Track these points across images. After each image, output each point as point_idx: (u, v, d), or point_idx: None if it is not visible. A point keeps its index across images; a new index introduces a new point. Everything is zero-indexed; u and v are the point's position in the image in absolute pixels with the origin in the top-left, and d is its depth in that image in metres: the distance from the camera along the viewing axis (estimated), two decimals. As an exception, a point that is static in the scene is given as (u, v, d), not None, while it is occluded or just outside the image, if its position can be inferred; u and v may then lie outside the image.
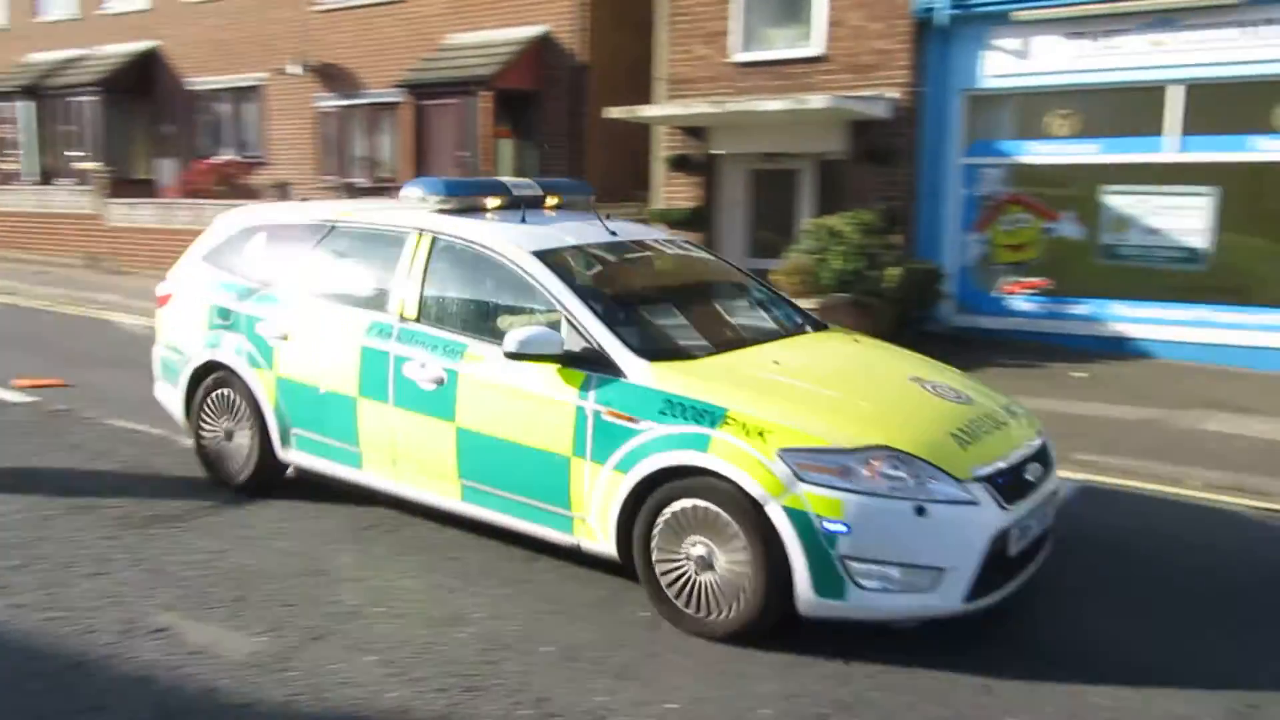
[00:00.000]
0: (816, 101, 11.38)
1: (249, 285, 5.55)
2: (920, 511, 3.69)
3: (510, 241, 4.76)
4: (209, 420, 5.69)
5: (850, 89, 11.89)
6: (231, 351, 5.49)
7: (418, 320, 4.84)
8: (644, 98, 13.61)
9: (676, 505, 4.02)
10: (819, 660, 3.87)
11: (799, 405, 4.04)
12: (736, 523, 3.87)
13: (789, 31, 12.61)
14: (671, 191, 13.51)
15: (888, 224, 11.17)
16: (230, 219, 5.99)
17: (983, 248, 11.74)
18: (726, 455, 3.87)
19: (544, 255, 4.68)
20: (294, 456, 5.39)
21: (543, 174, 15.63)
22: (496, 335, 4.54)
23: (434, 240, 4.95)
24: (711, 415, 3.96)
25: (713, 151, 13.24)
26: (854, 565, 3.71)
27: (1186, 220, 10.64)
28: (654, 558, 4.11)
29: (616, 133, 14.31)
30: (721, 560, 3.94)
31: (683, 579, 4.05)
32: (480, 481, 4.62)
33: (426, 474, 4.80)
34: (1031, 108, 11.42)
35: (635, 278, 5.29)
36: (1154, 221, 10.82)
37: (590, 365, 4.28)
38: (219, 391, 5.61)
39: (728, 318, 5.26)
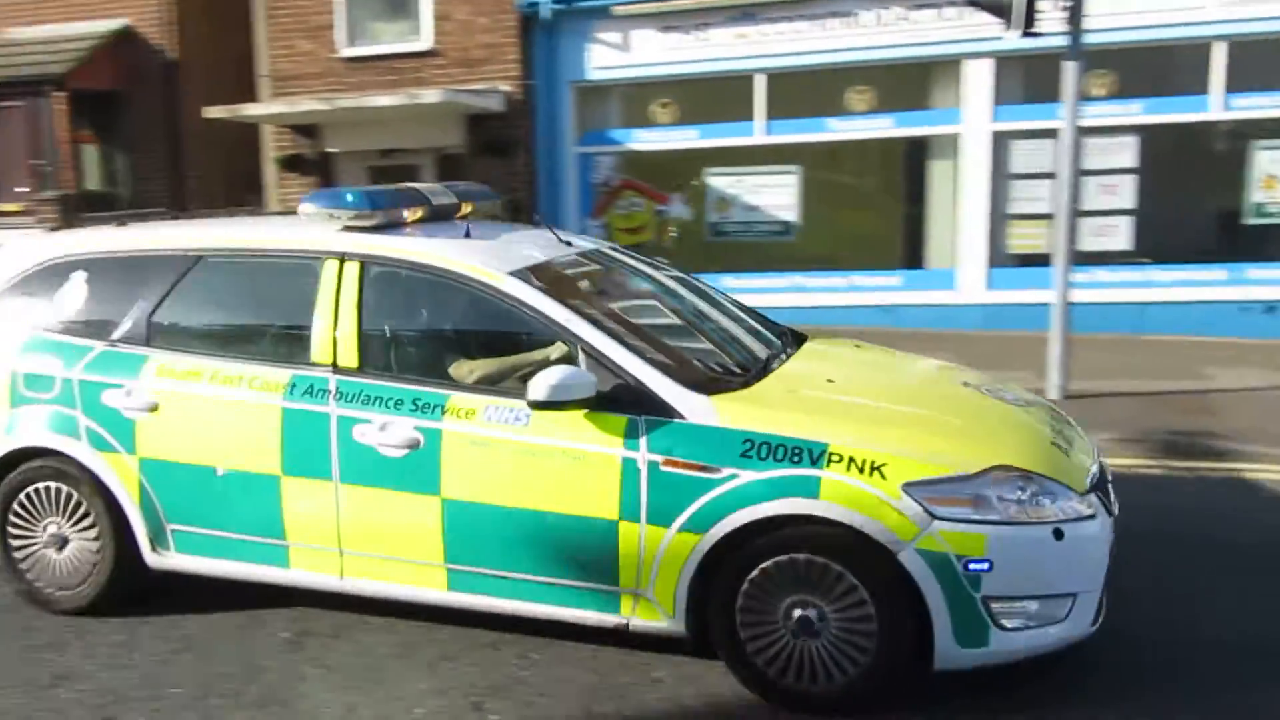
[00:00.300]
0: (429, 96, 11.30)
1: (79, 343, 4.26)
2: (1059, 535, 3.30)
3: (479, 262, 3.88)
4: (22, 527, 4.31)
5: (462, 83, 11.91)
6: (60, 433, 4.19)
7: (360, 370, 3.88)
8: (251, 96, 12.82)
9: (768, 563, 3.40)
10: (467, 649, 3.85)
11: (900, 430, 3.49)
12: (855, 575, 3.31)
13: (396, 26, 12.41)
14: (286, 193, 12.86)
15: (512, 214, 11.34)
16: (19, 253, 4.58)
17: (602, 232, 12.26)
18: (842, 499, 3.29)
19: (524, 276, 3.86)
20: (175, 561, 4.18)
21: (138, 181, 14.33)
22: (487, 381, 3.85)
23: (363, 266, 3.98)
24: (812, 452, 3.36)
25: (327, 150, 12.77)
26: (995, 606, 3.27)
27: (777, 197, 11.74)
28: (740, 631, 3.46)
29: (225, 134, 13.38)
30: (833, 621, 3.37)
31: (779, 649, 3.44)
32: (479, 564, 3.75)
33: (396, 564, 3.87)
34: (636, 97, 12.06)
35: (622, 295, 4.45)
36: (751, 200, 11.84)
37: (629, 407, 3.54)
38: (39, 487, 4.26)
39: (730, 332, 4.52)
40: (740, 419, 3.46)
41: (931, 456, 3.35)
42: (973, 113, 10.88)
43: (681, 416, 3.49)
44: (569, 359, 3.70)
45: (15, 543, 4.31)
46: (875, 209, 11.98)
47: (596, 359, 3.60)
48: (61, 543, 4.25)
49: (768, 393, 3.71)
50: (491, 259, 3.93)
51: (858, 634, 3.34)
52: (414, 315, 4.18)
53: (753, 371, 3.92)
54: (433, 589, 3.83)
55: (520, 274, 3.85)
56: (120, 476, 4.12)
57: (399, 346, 4.05)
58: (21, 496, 4.28)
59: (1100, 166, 10.44)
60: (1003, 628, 3.28)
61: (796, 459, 3.35)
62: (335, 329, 3.93)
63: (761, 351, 4.26)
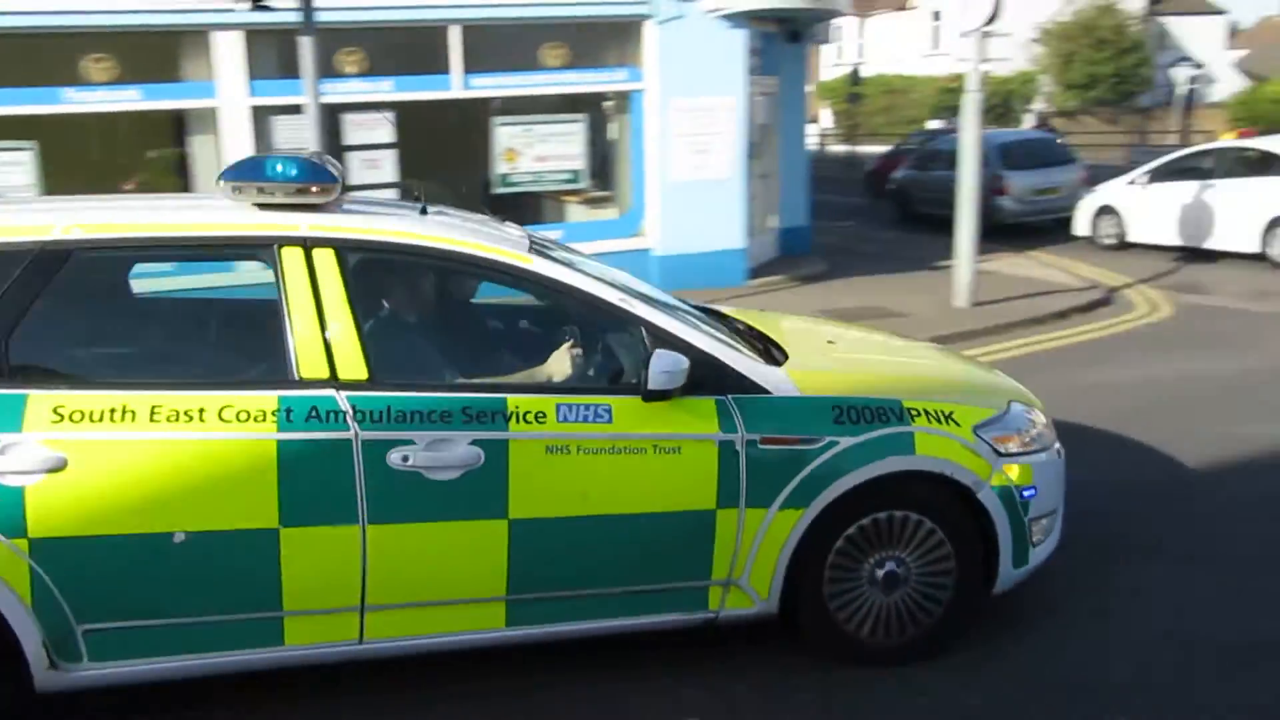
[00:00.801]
0: None
1: None
2: (1060, 454, 3.90)
3: (495, 242, 3.44)
4: None
5: None
6: None
7: (372, 382, 3.16)
8: None
9: (851, 529, 3.51)
10: None
11: (934, 380, 3.96)
12: (937, 523, 3.57)
13: None
14: None
15: None
16: None
17: None
18: (935, 450, 3.51)
19: (545, 255, 3.45)
20: (91, 673, 3.06)
21: None
22: (547, 377, 3.47)
23: (338, 253, 3.24)
24: (895, 410, 3.50)
25: None
26: (1033, 527, 3.72)
27: (11, 176, 10.18)
28: (828, 600, 3.56)
29: None
30: (914, 571, 3.60)
31: (866, 609, 3.60)
32: (548, 589, 3.36)
33: (440, 610, 3.29)
34: None
35: (607, 276, 3.76)
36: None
37: (712, 389, 3.35)
38: None
39: (670, 304, 3.90)
40: (818, 387, 3.50)
41: (976, 399, 3.75)
42: (228, 86, 10.48)
43: (767, 392, 3.41)
44: (596, 346, 3.47)
45: None
46: (140, 186, 11.01)
47: (665, 341, 3.33)
48: None
49: (813, 360, 3.83)
50: (504, 238, 3.50)
51: (938, 576, 3.62)
52: (418, 310, 3.61)
53: (768, 342, 3.91)
54: (486, 630, 3.36)
55: (539, 253, 3.45)
56: (11, 566, 2.92)
57: (414, 349, 3.47)
58: None
59: (363, 142, 10.82)
60: (1034, 545, 3.74)
61: (884, 419, 3.46)
62: (324, 333, 3.17)
63: (742, 323, 4.22)
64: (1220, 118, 31.38)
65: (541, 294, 3.61)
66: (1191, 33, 47.45)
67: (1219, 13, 50.77)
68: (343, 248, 3.28)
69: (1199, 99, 43.49)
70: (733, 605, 3.54)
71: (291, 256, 3.24)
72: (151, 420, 3.03)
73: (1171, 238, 13.31)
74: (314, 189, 3.28)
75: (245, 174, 3.31)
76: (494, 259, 3.39)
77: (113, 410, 3.01)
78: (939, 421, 3.55)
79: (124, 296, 3.61)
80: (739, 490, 3.37)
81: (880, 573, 3.58)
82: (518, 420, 3.21)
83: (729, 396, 3.39)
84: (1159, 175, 13.77)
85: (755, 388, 3.44)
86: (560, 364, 3.54)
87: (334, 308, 3.22)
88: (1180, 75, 33.75)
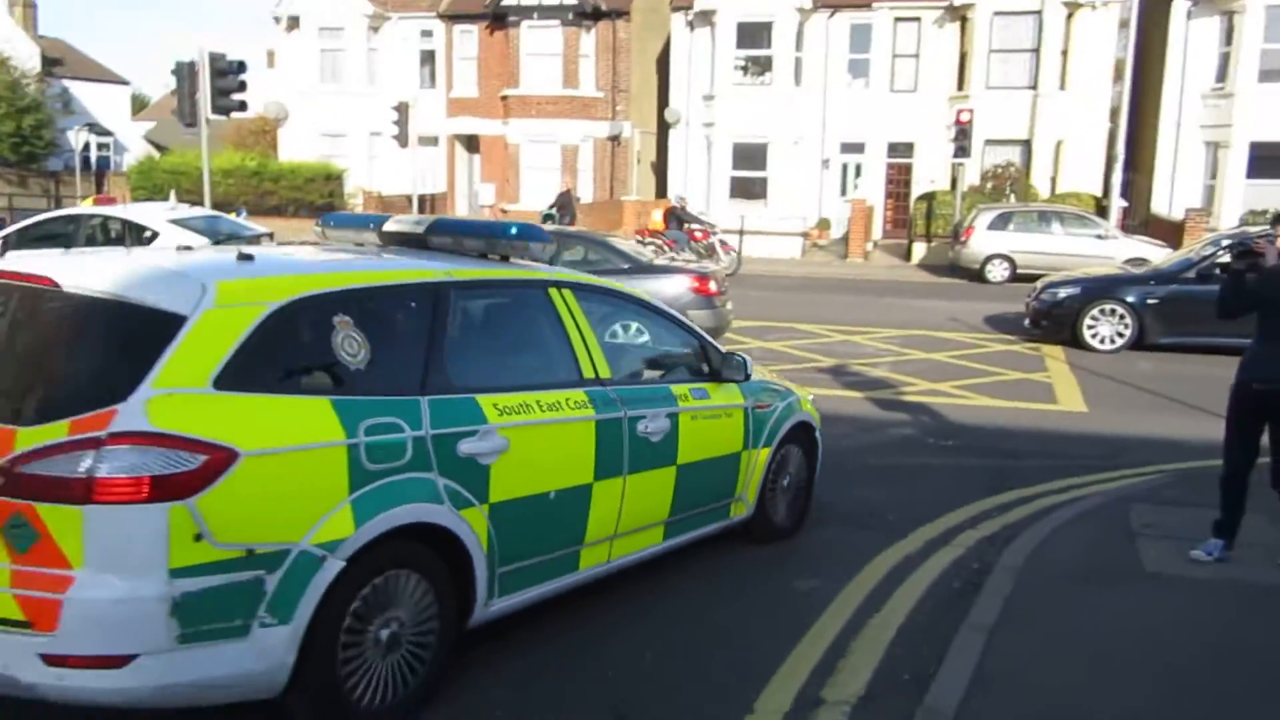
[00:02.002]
0: None
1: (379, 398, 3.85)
2: None
3: (626, 284, 5.66)
4: (356, 642, 3.68)
5: None
6: (426, 503, 3.84)
7: (612, 379, 4.89)
8: None
9: (782, 450, 6.15)
10: None
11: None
12: (804, 445, 6.54)
13: None
14: None
15: None
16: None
17: None
18: (806, 408, 6.54)
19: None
20: (500, 606, 4.32)
21: None
22: (678, 372, 5.54)
23: (577, 292, 4.93)
24: (787, 390, 6.45)
25: None
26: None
27: None
28: (771, 494, 6.16)
29: None
30: (795, 465, 6.42)
31: (778, 493, 6.25)
32: (686, 510, 5.33)
33: (641, 533, 5.06)
34: None
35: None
36: None
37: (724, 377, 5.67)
38: (380, 581, 3.71)
39: None
40: (760, 376, 6.22)
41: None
42: None
43: (748, 379, 5.75)
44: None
45: (351, 664, 3.67)
46: None
47: (717, 349, 5.72)
48: (388, 643, 3.79)
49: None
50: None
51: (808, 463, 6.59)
52: (602, 328, 5.18)
53: None
54: (655, 545, 5.22)
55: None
56: (477, 531, 4.07)
57: (619, 354, 5.26)
58: (357, 603, 3.67)
59: None
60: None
61: (786, 394, 6.28)
62: (586, 348, 4.78)
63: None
64: (126, 184, 32.55)
65: (660, 320, 5.64)
66: (97, 99, 48.42)
67: (122, 82, 52.77)
68: (574, 288, 4.94)
69: (111, 166, 44.70)
70: (737, 513, 5.87)
71: (557, 295, 4.81)
72: (540, 411, 4.40)
73: None
74: (534, 245, 4.85)
75: (530, 231, 4.81)
76: (628, 295, 5.48)
77: (522, 405, 4.32)
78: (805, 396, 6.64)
79: (481, 323, 4.65)
80: (749, 438, 5.74)
81: (785, 479, 6.29)
82: (680, 400, 5.20)
83: (738, 383, 5.72)
84: (23, 240, 12.93)
85: (742, 377, 5.69)
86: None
87: (584, 330, 4.84)
88: (80, 139, 34.17)
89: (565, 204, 27.58)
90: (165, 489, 3.18)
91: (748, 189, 30.62)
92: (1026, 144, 29.00)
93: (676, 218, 23.83)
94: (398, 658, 3.84)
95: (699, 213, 25.74)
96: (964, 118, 24.61)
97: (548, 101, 31.96)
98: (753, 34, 30.13)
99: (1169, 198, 28.66)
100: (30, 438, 3.25)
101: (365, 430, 3.68)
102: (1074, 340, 13.83)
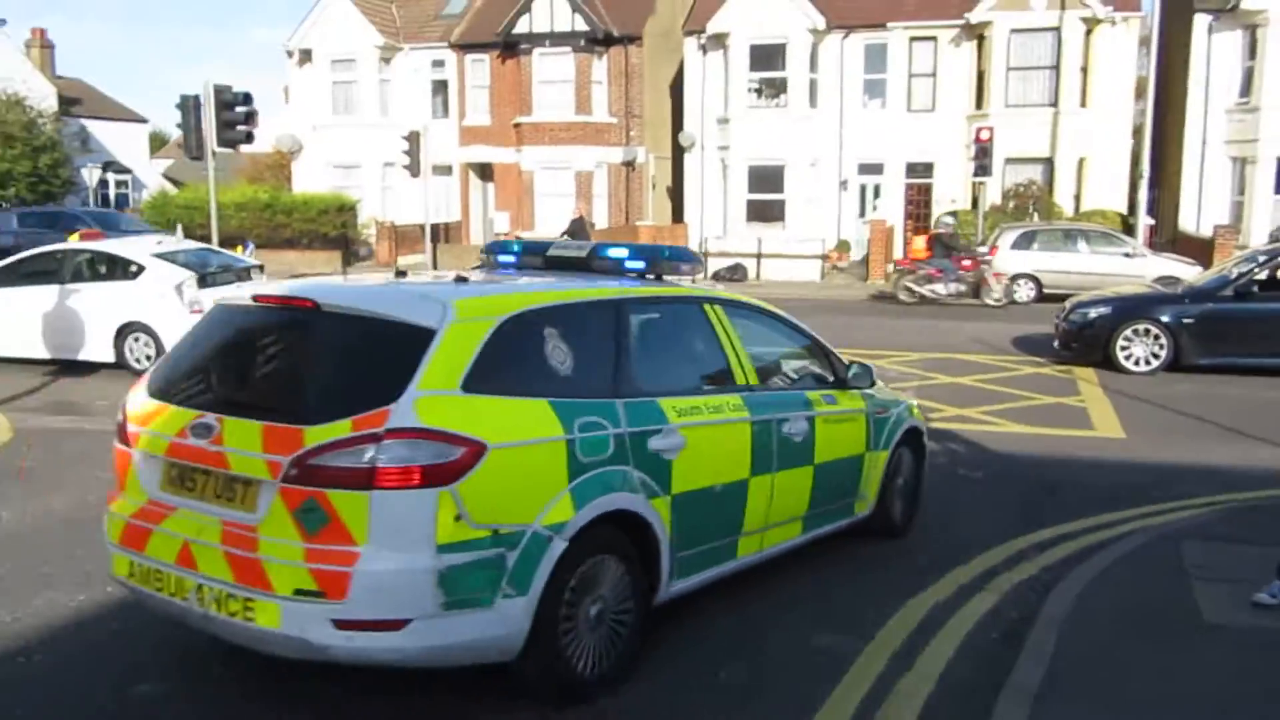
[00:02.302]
0: None
1: (642, 397, 4.67)
2: None
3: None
4: (572, 615, 4.22)
5: None
6: (625, 492, 4.37)
7: (762, 385, 5.49)
8: None
9: (897, 453, 6.69)
10: None
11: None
12: (915, 448, 7.09)
13: None
14: None
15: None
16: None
17: None
18: (916, 414, 7.04)
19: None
20: (679, 587, 4.87)
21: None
22: (807, 379, 6.08)
23: (725, 307, 5.49)
24: (900, 401, 6.92)
25: None
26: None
27: None
28: (893, 494, 6.73)
29: None
30: (906, 469, 7.02)
31: (898, 489, 6.86)
32: (820, 506, 5.87)
33: (783, 527, 5.60)
34: None
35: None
36: None
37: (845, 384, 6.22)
38: (592, 560, 4.26)
39: None
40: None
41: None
42: None
43: (873, 385, 6.36)
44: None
45: (567, 636, 4.20)
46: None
47: (830, 358, 6.28)
48: (595, 617, 4.31)
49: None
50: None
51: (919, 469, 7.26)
52: (748, 341, 5.52)
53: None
54: (796, 538, 5.76)
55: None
56: (662, 519, 4.56)
57: (759, 363, 5.58)
58: (574, 579, 4.19)
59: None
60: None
61: (898, 403, 6.78)
62: (737, 357, 5.34)
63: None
64: (140, 219, 32.45)
65: (791, 332, 6.18)
66: (116, 137, 48.68)
67: (140, 120, 53.09)
68: (722, 303, 5.52)
69: (130, 203, 44.84)
70: (860, 510, 6.38)
71: (710, 310, 5.38)
72: (708, 413, 4.93)
73: (37, 349, 12.68)
74: (685, 267, 5.63)
75: (685, 255, 5.66)
76: (763, 310, 6.02)
77: (693, 407, 4.85)
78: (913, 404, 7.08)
79: (652, 334, 5.06)
80: (870, 440, 6.27)
81: (899, 480, 6.77)
82: (815, 405, 5.80)
83: (863, 389, 6.27)
84: (10, 275, 12.81)
85: (866, 386, 6.29)
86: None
87: (736, 341, 5.41)
88: (94, 177, 34.19)
89: (578, 230, 27.15)
90: (434, 477, 3.72)
91: (765, 212, 30.19)
92: (1048, 162, 28.46)
93: (943, 244, 22.05)
94: (603, 633, 4.35)
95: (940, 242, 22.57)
96: (984, 136, 24.13)
97: (560, 128, 31.71)
98: (766, 56, 29.81)
99: (1196, 215, 28.04)
100: (318, 435, 3.75)
101: (579, 427, 4.22)
102: (1106, 362, 13.27)
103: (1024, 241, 22.24)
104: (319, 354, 4.29)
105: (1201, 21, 27.50)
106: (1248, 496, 7.77)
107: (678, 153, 32.70)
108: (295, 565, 3.71)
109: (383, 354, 4.04)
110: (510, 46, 32.03)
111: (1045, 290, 21.83)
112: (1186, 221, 28.17)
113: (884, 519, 6.65)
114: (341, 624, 3.68)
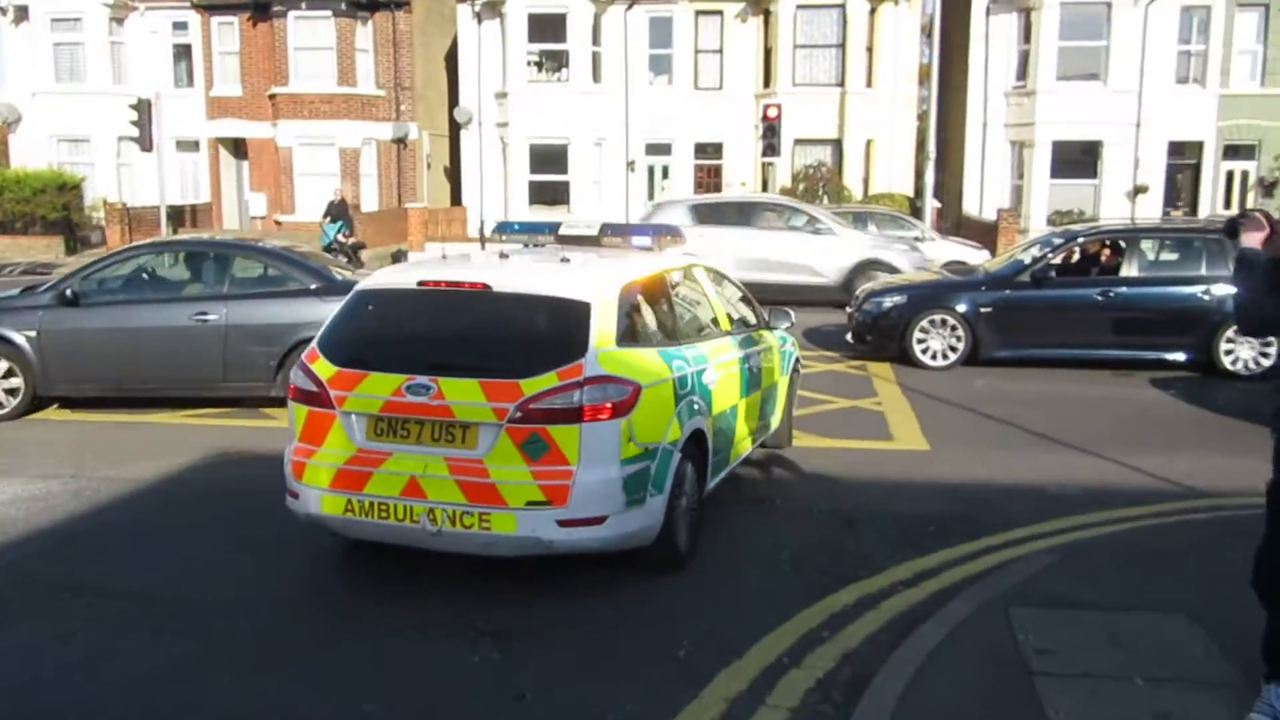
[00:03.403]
0: None
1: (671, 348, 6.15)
2: None
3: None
4: (674, 507, 5.67)
5: None
6: (699, 416, 5.98)
7: (731, 330, 7.21)
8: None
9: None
10: None
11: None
12: None
13: None
14: None
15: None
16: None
17: None
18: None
19: None
20: (710, 486, 6.42)
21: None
22: (745, 322, 7.66)
23: (707, 271, 7.57)
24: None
25: None
26: None
27: None
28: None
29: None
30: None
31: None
32: (761, 422, 7.56)
33: (745, 439, 7.15)
34: None
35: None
36: None
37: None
38: (684, 467, 5.75)
39: None
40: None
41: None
42: None
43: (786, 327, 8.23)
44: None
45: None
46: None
47: (752, 304, 7.99)
48: (687, 508, 5.80)
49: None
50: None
51: None
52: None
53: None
54: (747, 451, 7.23)
55: None
56: (709, 434, 6.07)
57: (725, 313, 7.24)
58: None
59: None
60: None
61: (785, 338, 8.36)
62: (722, 309, 7.14)
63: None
64: None
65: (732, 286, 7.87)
66: None
67: None
68: (705, 269, 7.49)
69: None
70: (773, 425, 7.94)
71: (705, 272, 7.50)
72: (722, 352, 6.60)
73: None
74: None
75: (657, 231, 7.40)
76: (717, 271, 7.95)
77: (715, 349, 6.52)
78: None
79: (678, 294, 6.71)
80: (781, 369, 7.90)
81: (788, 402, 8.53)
82: (758, 342, 7.36)
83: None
84: None
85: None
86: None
87: (716, 298, 7.16)
88: None
89: (339, 213, 24.60)
90: (618, 410, 5.11)
91: (549, 194, 28.43)
92: (837, 143, 27.97)
93: None
94: (687, 520, 5.75)
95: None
96: (771, 113, 23.16)
97: (321, 100, 28.83)
98: (547, 27, 27.97)
99: (979, 198, 28.22)
100: (533, 385, 5.05)
101: (674, 368, 5.70)
102: (903, 355, 12.18)
103: (814, 225, 21.28)
104: (504, 324, 5.52)
105: (979, 4, 27.58)
106: (1073, 524, 6.56)
107: (455, 130, 30.43)
108: (525, 484, 4.99)
109: (558, 323, 5.32)
110: (262, 8, 28.86)
111: (837, 276, 20.99)
112: (970, 205, 28.29)
113: (786, 437, 8.36)
114: (564, 523, 5.00)
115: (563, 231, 6.95)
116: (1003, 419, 9.59)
